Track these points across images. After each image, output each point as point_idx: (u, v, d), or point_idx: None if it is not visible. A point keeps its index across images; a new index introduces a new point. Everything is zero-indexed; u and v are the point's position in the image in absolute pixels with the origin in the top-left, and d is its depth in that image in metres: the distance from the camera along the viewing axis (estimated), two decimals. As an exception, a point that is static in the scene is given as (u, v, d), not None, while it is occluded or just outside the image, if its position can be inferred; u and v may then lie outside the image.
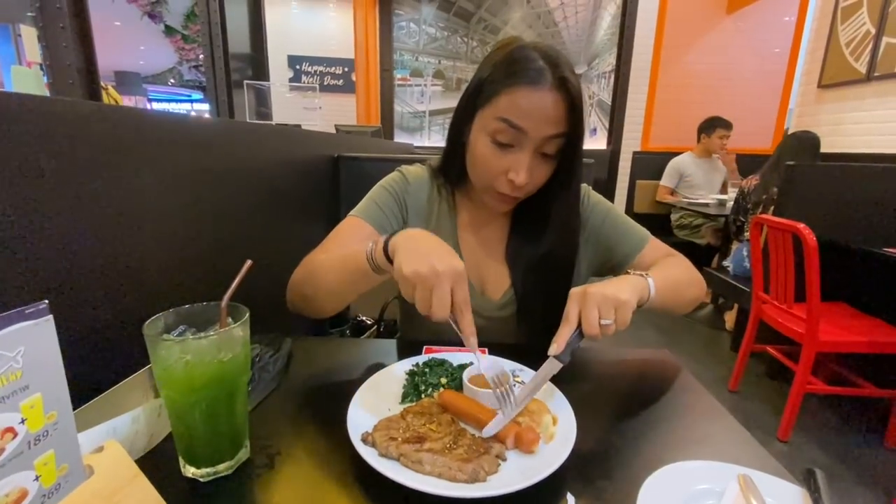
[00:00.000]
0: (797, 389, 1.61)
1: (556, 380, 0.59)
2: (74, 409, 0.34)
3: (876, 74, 2.57)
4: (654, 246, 0.78)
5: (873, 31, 2.57)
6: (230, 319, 0.45)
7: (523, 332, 0.76)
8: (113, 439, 0.38)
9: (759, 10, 3.84)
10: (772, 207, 2.12)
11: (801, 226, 1.55)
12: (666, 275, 0.65)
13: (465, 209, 0.80)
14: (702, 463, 0.44)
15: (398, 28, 5.89)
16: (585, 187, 0.80)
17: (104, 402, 0.45)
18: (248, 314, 0.44)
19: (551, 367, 0.52)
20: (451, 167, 0.76)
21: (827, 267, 1.51)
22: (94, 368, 0.51)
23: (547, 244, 0.74)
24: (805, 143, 2.27)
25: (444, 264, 0.49)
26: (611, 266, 0.81)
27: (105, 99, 2.82)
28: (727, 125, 3.02)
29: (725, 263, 2.44)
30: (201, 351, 0.41)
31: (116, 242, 0.53)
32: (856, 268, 1.87)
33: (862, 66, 2.65)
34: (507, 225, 0.79)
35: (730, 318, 2.68)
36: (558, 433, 0.48)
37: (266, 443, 0.48)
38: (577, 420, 0.50)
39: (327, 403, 0.59)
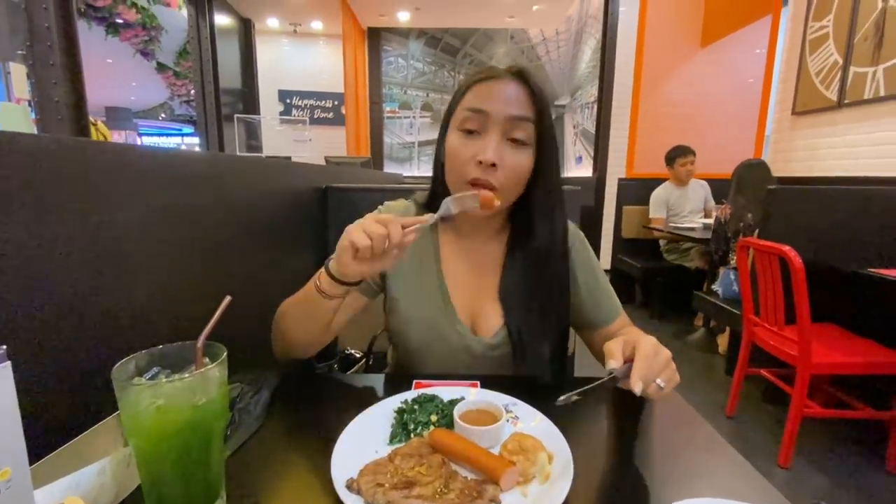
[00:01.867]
0: (794, 414, 1.59)
1: (552, 414, 0.57)
2: (34, 462, 0.31)
3: (846, 101, 2.68)
4: (624, 319, 0.78)
5: (841, 61, 2.69)
6: (207, 359, 0.43)
7: (518, 370, 0.73)
8: (75, 495, 0.36)
9: (732, 43, 4.02)
10: (755, 232, 2.15)
11: (787, 248, 1.56)
12: None
13: (449, 239, 0.77)
14: (706, 500, 0.42)
15: (387, 63, 6.07)
16: (572, 224, 0.79)
17: (67, 454, 0.41)
18: (225, 353, 0.42)
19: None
20: (437, 195, 0.74)
21: (815, 288, 1.52)
22: (57, 417, 0.48)
23: (539, 271, 0.71)
24: (757, 170, 2.37)
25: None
26: (579, 324, 0.79)
27: (94, 134, 2.82)
28: (685, 152, 3.11)
29: (714, 287, 2.45)
30: (174, 395, 0.38)
31: (87, 282, 0.51)
32: (842, 289, 1.88)
33: (833, 94, 2.77)
34: (498, 257, 0.76)
35: (722, 341, 2.67)
36: (554, 472, 0.46)
37: (244, 491, 0.45)
38: (573, 457, 0.48)
39: (312, 445, 0.56)
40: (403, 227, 0.55)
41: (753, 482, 0.49)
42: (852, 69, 2.62)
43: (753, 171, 2.36)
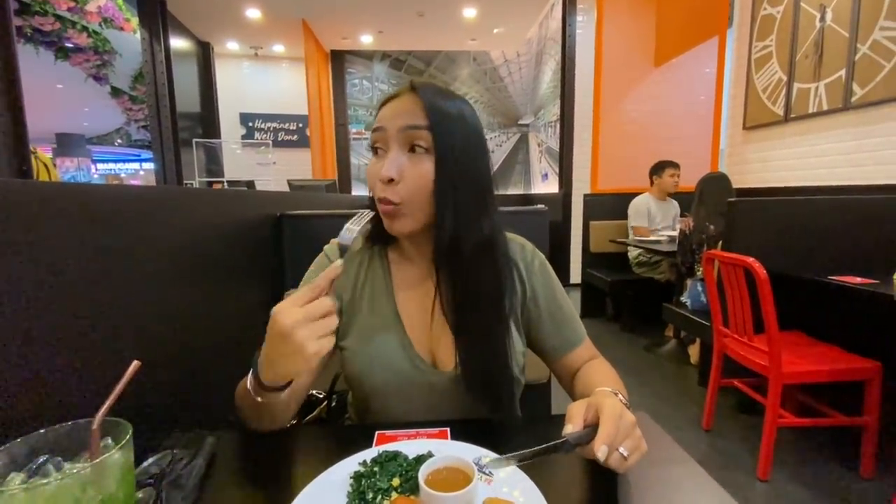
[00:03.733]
0: (769, 425, 1.59)
1: (528, 467, 0.51)
2: None
3: (792, 116, 2.82)
4: (587, 345, 0.75)
5: (785, 78, 2.84)
6: (108, 441, 0.35)
7: (472, 399, 0.66)
8: None
9: (682, 63, 4.21)
10: (719, 243, 2.20)
11: (751, 260, 1.59)
12: (622, 391, 0.63)
13: (399, 266, 0.74)
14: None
15: (351, 85, 6.05)
16: (531, 246, 0.76)
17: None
18: (130, 433, 0.34)
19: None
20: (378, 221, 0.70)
21: (779, 296, 1.55)
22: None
23: (471, 285, 0.66)
24: (718, 182, 2.45)
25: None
26: (542, 350, 0.76)
27: (34, 163, 2.64)
28: (675, 165, 3.20)
29: (683, 299, 2.48)
30: (57, 497, 0.30)
31: None
32: (805, 296, 1.93)
33: (779, 109, 2.91)
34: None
35: (694, 351, 2.70)
36: (535, 545, 0.40)
37: None
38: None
39: (253, 525, 0.48)
40: (321, 289, 0.52)
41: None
42: (796, 85, 2.77)
43: (715, 183, 2.43)
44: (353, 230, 0.60)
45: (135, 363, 0.37)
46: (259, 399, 0.56)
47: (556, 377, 0.78)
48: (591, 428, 0.48)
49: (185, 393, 0.76)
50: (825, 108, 2.59)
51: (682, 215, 3.17)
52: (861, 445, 1.62)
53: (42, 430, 0.34)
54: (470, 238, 0.64)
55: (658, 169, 3.24)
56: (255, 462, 0.59)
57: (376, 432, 0.61)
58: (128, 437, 0.34)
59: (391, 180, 0.61)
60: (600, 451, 0.44)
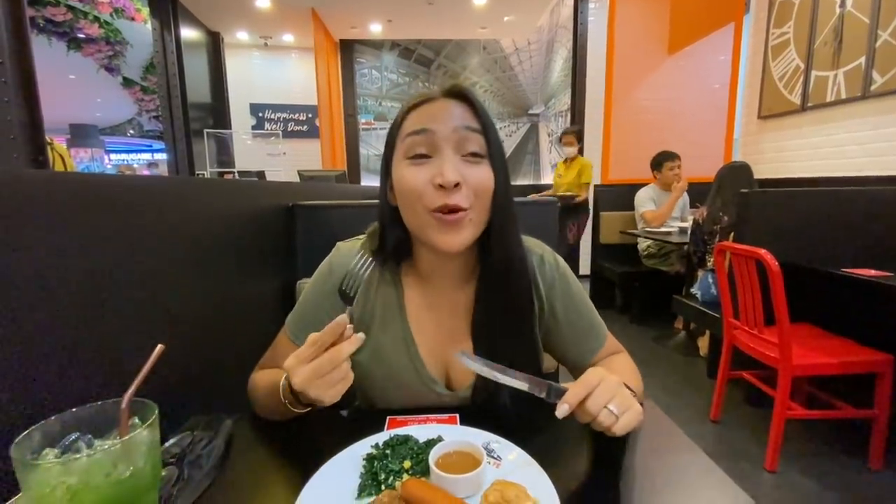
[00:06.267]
0: (778, 417, 1.59)
1: (537, 452, 0.53)
2: None
3: (809, 105, 2.76)
4: (609, 345, 0.73)
5: (802, 65, 2.78)
6: (136, 420, 0.37)
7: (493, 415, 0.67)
8: None
9: (697, 51, 4.13)
10: (731, 235, 2.17)
11: (763, 251, 1.57)
12: (636, 383, 0.66)
13: (413, 287, 0.69)
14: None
15: (360, 75, 6.03)
16: (550, 252, 0.73)
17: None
18: (156, 413, 0.36)
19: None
20: (389, 240, 0.66)
21: (791, 289, 1.53)
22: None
23: (510, 314, 0.65)
24: (739, 171, 2.39)
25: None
26: (563, 359, 0.74)
27: (50, 154, 2.69)
28: (672, 156, 3.15)
29: (693, 291, 2.47)
30: (90, 470, 0.32)
31: None
32: (818, 289, 1.91)
33: (796, 98, 2.85)
34: (468, 302, 0.67)
35: (703, 343, 2.69)
36: (542, 526, 0.41)
37: (186, 572, 0.39)
38: (560, 497, 0.43)
39: (270, 502, 0.50)
40: (324, 344, 0.51)
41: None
42: (814, 73, 2.71)
43: (735, 172, 2.39)
44: (357, 276, 0.58)
45: (159, 347, 0.39)
46: (288, 406, 0.56)
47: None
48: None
49: (204, 378, 0.78)
50: (843, 96, 2.53)
51: (693, 206, 3.14)
52: (870, 437, 1.61)
53: (73, 409, 0.36)
54: (516, 253, 0.64)
55: (657, 164, 3.20)
56: (271, 444, 0.61)
57: (388, 417, 0.63)
58: (154, 416, 0.36)
59: (457, 184, 0.56)
60: (560, 408, 0.48)
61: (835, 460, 1.68)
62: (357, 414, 0.72)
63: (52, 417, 0.35)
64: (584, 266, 4.36)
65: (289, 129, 6.18)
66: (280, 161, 5.82)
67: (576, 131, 3.80)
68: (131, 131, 11.21)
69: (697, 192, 3.01)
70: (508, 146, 6.09)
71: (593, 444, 0.58)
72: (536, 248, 0.72)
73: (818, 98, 2.70)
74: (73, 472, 0.32)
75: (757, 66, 3.23)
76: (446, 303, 0.68)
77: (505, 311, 0.65)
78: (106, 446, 0.33)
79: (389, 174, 0.63)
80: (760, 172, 3.18)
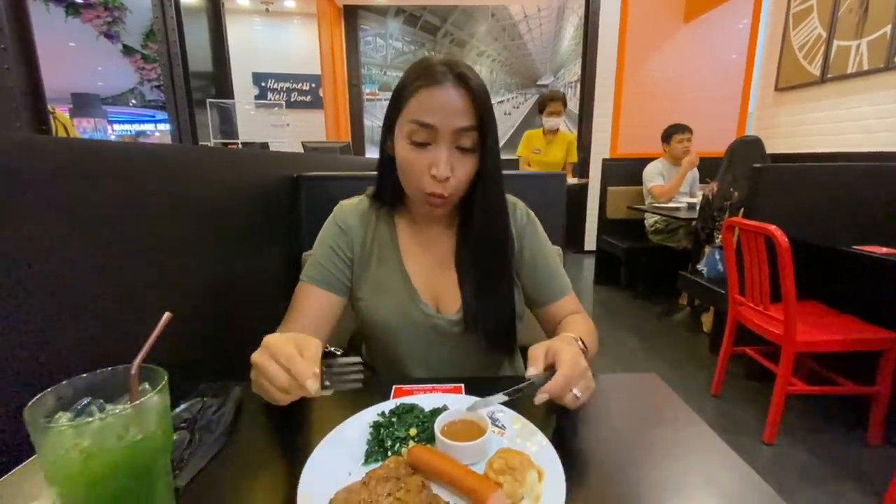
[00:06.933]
0: (779, 392, 1.60)
1: (541, 422, 0.53)
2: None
3: (829, 76, 2.66)
4: (571, 299, 0.82)
5: (825, 34, 2.67)
6: (146, 386, 0.37)
7: (474, 343, 0.76)
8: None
9: (715, 18, 3.97)
10: (741, 210, 2.14)
11: (773, 227, 1.55)
12: (592, 342, 0.72)
13: (406, 228, 0.80)
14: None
15: (364, 43, 5.86)
16: (523, 206, 0.83)
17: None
18: (166, 378, 0.36)
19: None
20: (385, 187, 0.78)
21: (799, 266, 1.52)
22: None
23: (488, 253, 0.75)
24: (751, 146, 2.32)
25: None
26: (528, 299, 0.83)
27: (53, 123, 2.66)
28: (683, 129, 3.07)
29: (699, 267, 2.45)
30: (103, 433, 0.33)
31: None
32: (826, 266, 1.89)
33: (815, 69, 2.75)
34: (452, 244, 0.80)
35: (707, 320, 2.70)
36: (546, 492, 0.42)
37: (200, 530, 0.40)
38: (566, 472, 0.44)
39: (278, 468, 0.51)
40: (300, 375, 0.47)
41: (761, 495, 0.45)
42: (836, 43, 2.60)
43: (747, 147, 2.33)
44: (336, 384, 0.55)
45: (166, 314, 0.39)
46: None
47: (541, 327, 0.85)
48: (550, 372, 0.53)
49: (212, 347, 0.79)
50: (866, 67, 2.43)
51: (703, 181, 3.08)
52: (869, 414, 1.62)
53: (85, 375, 0.36)
54: (491, 210, 0.74)
55: (666, 136, 3.12)
56: (279, 412, 0.62)
57: (394, 386, 0.64)
58: (164, 381, 0.36)
59: (446, 179, 0.67)
60: (538, 398, 0.51)
61: (834, 435, 1.70)
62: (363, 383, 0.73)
63: (64, 382, 0.35)
64: (590, 242, 4.33)
65: (292, 100, 6.08)
66: (284, 132, 5.75)
67: (562, 98, 3.23)
68: (133, 101, 11.06)
69: (708, 168, 2.95)
70: (516, 118, 5.97)
71: (597, 417, 0.59)
72: (509, 199, 0.81)
73: (839, 69, 2.60)
74: (87, 435, 0.32)
75: (777, 34, 3.10)
76: (435, 245, 0.80)
77: (484, 249, 0.75)
78: (118, 410, 0.33)
79: (392, 130, 0.71)
80: (775, 147, 3.10)
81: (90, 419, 0.33)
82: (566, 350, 0.54)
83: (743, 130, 4.09)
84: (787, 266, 1.51)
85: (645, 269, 3.31)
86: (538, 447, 0.48)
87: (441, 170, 0.66)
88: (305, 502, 0.40)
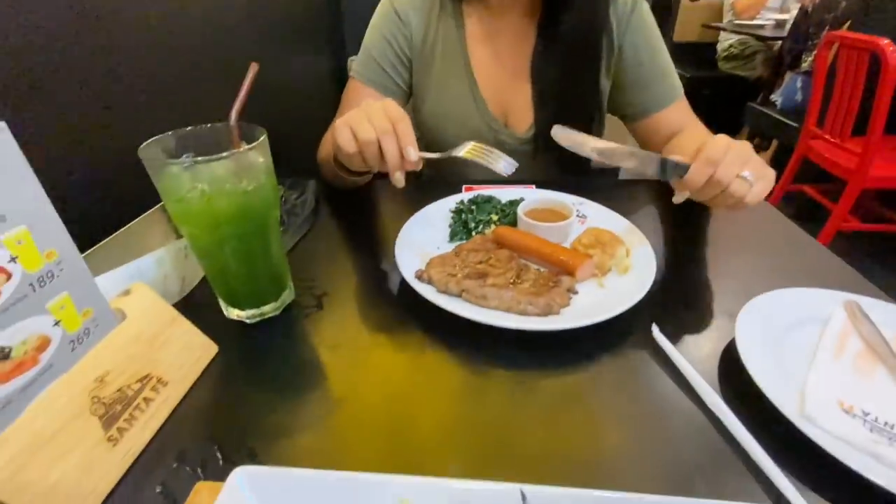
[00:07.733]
0: (831, 227, 1.57)
1: (631, 213, 0.52)
2: (81, 252, 0.28)
3: None
4: (682, 106, 0.65)
5: None
6: (246, 144, 0.36)
7: (544, 167, 0.68)
8: (140, 282, 0.34)
9: None
10: (844, 26, 1.79)
11: (885, 41, 1.31)
12: None
13: (476, 23, 0.66)
14: (801, 290, 0.39)
15: None
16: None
17: (116, 245, 0.39)
18: (265, 135, 0.35)
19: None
20: None
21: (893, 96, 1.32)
22: (97, 207, 0.45)
23: (574, 54, 0.61)
24: None
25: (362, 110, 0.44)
26: (624, 108, 0.68)
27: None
28: None
29: (773, 97, 2.19)
30: (217, 178, 0.33)
31: (97, 47, 0.42)
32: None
33: None
34: (530, 36, 0.64)
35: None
36: (634, 265, 0.43)
37: (310, 284, 0.44)
38: (653, 253, 0.44)
39: (369, 243, 0.54)
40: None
41: (850, 276, 0.45)
42: None
43: None
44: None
45: (253, 65, 0.36)
46: (345, 178, 0.57)
47: (638, 144, 0.72)
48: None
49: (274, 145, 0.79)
50: None
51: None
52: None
53: (189, 128, 0.35)
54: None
55: None
56: (351, 203, 0.63)
57: (463, 186, 0.63)
58: (264, 136, 0.35)
59: None
60: (678, 196, 0.44)
61: (873, 269, 1.71)
62: (433, 181, 0.73)
63: (169, 133, 0.34)
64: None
65: None
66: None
67: None
68: None
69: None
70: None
71: (690, 218, 0.58)
72: None
73: None
74: (204, 178, 0.33)
75: None
76: (508, 36, 0.65)
77: (569, 49, 0.62)
78: (224, 156, 0.33)
79: None
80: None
81: (207, 158, 0.32)
82: (712, 139, 0.42)
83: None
84: (888, 87, 1.32)
85: (706, 103, 2.99)
86: (626, 230, 0.48)
87: None
88: (404, 266, 0.42)
